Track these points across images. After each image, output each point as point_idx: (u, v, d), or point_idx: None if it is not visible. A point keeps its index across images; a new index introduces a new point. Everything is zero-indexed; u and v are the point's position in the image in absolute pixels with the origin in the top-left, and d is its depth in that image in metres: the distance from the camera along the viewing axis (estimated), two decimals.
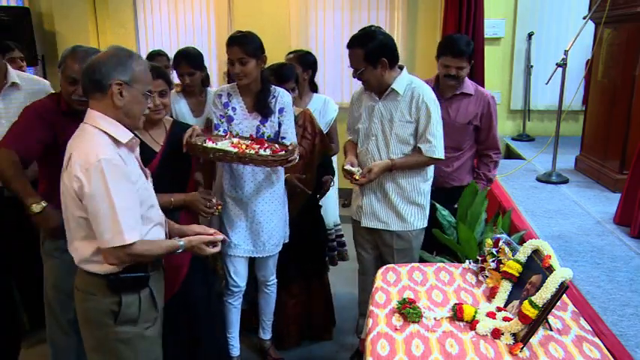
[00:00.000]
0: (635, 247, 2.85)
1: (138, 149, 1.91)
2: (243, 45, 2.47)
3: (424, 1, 5.56)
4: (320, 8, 5.74)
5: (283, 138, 2.61)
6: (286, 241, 2.85)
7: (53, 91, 2.63)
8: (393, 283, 2.18)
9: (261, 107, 2.58)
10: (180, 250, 1.85)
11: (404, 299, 1.97)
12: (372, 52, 2.44)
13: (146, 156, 2.20)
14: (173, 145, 2.35)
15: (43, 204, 2.14)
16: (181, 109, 3.08)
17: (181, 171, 2.40)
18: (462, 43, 2.85)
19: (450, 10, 4.87)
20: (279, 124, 2.61)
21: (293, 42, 5.66)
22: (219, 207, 2.41)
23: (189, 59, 3.04)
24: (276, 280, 2.92)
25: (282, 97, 2.64)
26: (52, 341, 2.47)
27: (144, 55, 3.39)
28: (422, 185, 2.63)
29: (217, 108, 2.63)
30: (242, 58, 2.47)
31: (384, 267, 2.35)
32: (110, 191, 1.63)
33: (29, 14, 5.24)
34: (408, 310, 1.88)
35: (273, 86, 2.66)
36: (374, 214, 2.64)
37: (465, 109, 2.93)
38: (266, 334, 3.01)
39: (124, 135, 1.75)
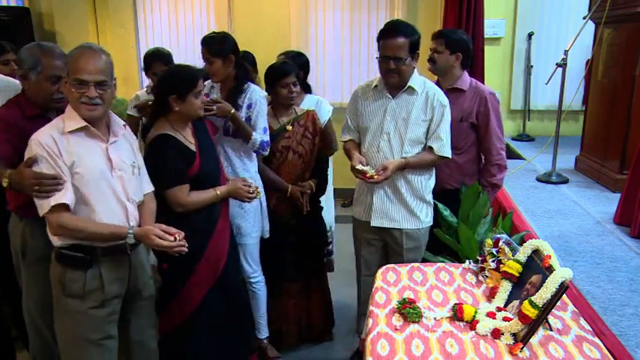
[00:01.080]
0: (635, 247, 2.85)
1: (115, 140, 1.99)
2: (209, 46, 2.66)
3: (424, 1, 5.56)
4: (320, 8, 5.73)
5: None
6: (265, 236, 2.90)
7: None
8: (393, 283, 2.18)
9: (230, 102, 2.70)
10: (129, 240, 1.92)
11: (404, 299, 1.97)
12: (415, 43, 2.44)
13: (189, 158, 2.33)
14: (201, 141, 2.43)
15: (7, 174, 1.97)
16: None
17: (215, 167, 2.48)
18: (447, 29, 2.90)
19: (450, 10, 4.87)
20: (248, 118, 2.73)
21: (293, 42, 5.66)
22: (259, 191, 2.53)
23: (163, 58, 3.14)
24: (261, 279, 2.91)
25: (253, 93, 2.76)
26: (34, 356, 2.43)
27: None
28: (429, 182, 2.65)
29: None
30: (208, 58, 2.66)
31: (384, 267, 2.35)
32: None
33: (29, 14, 5.24)
34: (408, 310, 1.88)
35: (249, 84, 2.79)
36: (385, 212, 2.60)
37: (459, 106, 2.82)
38: (261, 334, 3.02)
39: (70, 124, 1.88)
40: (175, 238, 1.94)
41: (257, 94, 2.77)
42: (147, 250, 2.18)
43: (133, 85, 5.79)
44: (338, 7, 5.72)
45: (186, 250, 1.99)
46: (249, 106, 2.74)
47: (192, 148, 2.37)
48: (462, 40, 2.84)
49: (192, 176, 2.34)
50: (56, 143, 1.84)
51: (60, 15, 5.65)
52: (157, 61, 3.11)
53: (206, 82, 2.82)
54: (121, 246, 1.96)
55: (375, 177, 2.43)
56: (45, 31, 5.74)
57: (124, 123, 2.10)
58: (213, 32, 2.78)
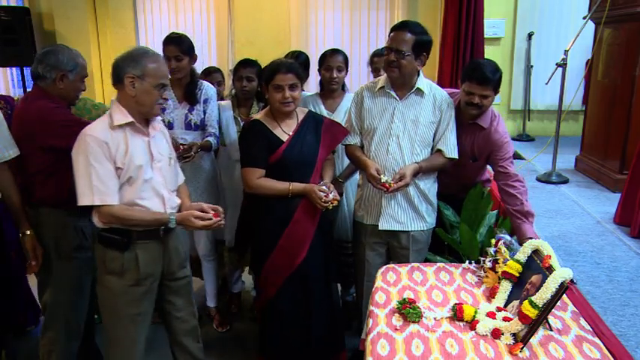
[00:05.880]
0: (635, 247, 2.85)
1: (154, 135, 2.15)
2: (180, 44, 2.84)
3: (424, 1, 5.56)
4: (320, 8, 5.74)
5: (205, 125, 2.95)
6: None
7: None
8: (393, 283, 2.18)
9: (189, 97, 2.92)
10: (171, 224, 2.11)
11: (404, 299, 1.97)
12: (421, 43, 2.43)
13: (273, 145, 2.45)
14: (301, 135, 2.50)
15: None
16: None
17: (305, 161, 2.50)
18: (488, 69, 2.52)
19: (450, 10, 4.87)
20: (204, 112, 2.95)
21: (293, 42, 5.66)
22: (336, 202, 2.47)
23: None
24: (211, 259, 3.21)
25: (207, 89, 2.98)
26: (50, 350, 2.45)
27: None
28: (434, 184, 2.64)
29: None
30: (177, 55, 2.83)
31: (384, 267, 2.35)
32: (79, 157, 1.99)
33: (29, 14, 5.23)
34: (408, 310, 1.88)
35: (200, 80, 3.00)
36: (393, 215, 2.57)
37: (472, 143, 2.66)
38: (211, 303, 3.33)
39: (120, 119, 2.04)
40: (212, 218, 2.13)
41: (211, 90, 2.99)
42: (184, 236, 2.36)
43: None
44: (338, 7, 5.72)
45: (223, 223, 2.17)
46: (206, 101, 2.94)
47: (282, 137, 2.46)
48: (502, 75, 2.56)
49: (272, 163, 2.46)
50: (109, 138, 2.00)
51: (60, 15, 5.65)
52: None
53: None
54: (154, 231, 2.13)
55: (394, 185, 2.39)
56: (45, 31, 5.74)
57: (162, 118, 2.31)
58: (174, 32, 2.98)
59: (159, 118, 2.26)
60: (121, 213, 2.03)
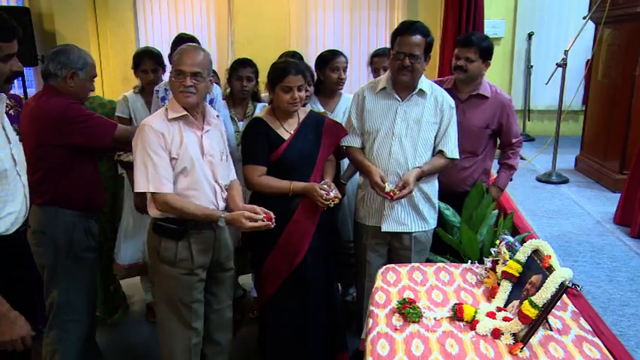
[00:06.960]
0: (635, 247, 2.85)
1: (209, 129, 2.21)
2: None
3: (424, 1, 5.56)
4: (320, 8, 5.74)
5: None
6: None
7: None
8: (393, 283, 2.18)
9: None
10: (221, 222, 2.20)
11: (404, 299, 1.96)
12: (430, 45, 2.45)
13: (274, 144, 2.46)
14: (302, 134, 2.50)
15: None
16: (138, 108, 3.11)
17: (305, 161, 2.50)
18: (474, 35, 2.79)
19: (450, 10, 4.87)
20: None
21: (293, 42, 5.66)
22: (337, 200, 2.46)
23: (153, 56, 3.12)
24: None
25: (213, 89, 2.87)
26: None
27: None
28: (435, 184, 2.64)
29: (155, 103, 2.87)
30: None
31: (384, 267, 2.35)
32: (138, 147, 2.08)
33: (29, 14, 5.22)
34: (408, 310, 1.88)
35: None
36: (396, 217, 2.57)
37: (482, 113, 2.81)
38: None
39: (173, 113, 2.12)
40: (264, 219, 2.17)
41: (217, 90, 2.92)
42: (229, 229, 2.40)
43: (133, 86, 5.80)
44: (338, 7, 5.72)
45: (273, 225, 2.20)
46: (211, 101, 2.83)
47: (284, 136, 2.47)
48: (491, 47, 2.80)
49: (273, 161, 2.46)
50: (166, 129, 2.08)
51: (60, 15, 5.65)
52: (146, 57, 3.10)
53: (160, 84, 2.92)
54: (208, 222, 2.19)
55: (398, 193, 2.39)
56: (45, 31, 5.74)
57: (217, 114, 2.34)
58: (184, 33, 2.99)
59: (214, 113, 2.30)
60: (174, 202, 2.09)
